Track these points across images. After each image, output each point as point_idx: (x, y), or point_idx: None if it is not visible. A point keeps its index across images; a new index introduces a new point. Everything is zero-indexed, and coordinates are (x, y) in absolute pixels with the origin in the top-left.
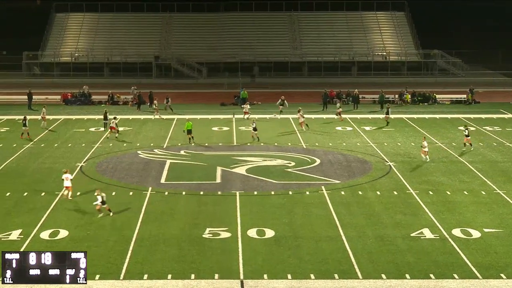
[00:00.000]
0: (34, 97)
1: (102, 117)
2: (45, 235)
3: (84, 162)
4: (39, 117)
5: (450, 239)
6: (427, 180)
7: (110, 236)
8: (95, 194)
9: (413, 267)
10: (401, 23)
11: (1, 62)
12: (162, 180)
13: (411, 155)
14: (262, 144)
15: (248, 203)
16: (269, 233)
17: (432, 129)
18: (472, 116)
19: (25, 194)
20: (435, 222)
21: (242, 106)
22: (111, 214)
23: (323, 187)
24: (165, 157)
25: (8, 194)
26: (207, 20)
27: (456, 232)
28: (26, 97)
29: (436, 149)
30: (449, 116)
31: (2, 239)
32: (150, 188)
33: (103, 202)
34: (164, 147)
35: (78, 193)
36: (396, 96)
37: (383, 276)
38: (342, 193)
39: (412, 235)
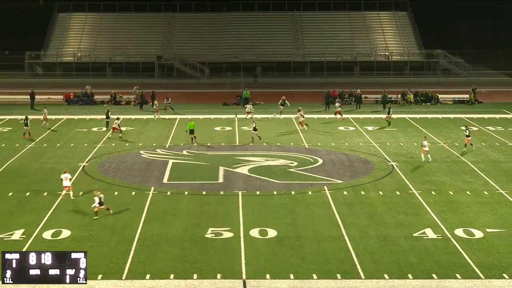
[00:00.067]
0: (36, 97)
1: (104, 116)
2: (47, 235)
3: (86, 162)
4: (41, 117)
5: (452, 239)
6: (429, 180)
7: (113, 236)
8: (94, 195)
9: (416, 267)
10: (404, 23)
11: (4, 62)
12: (165, 180)
13: (413, 155)
14: (264, 144)
15: (250, 203)
16: (272, 233)
17: (434, 129)
18: (474, 116)
19: (28, 194)
20: (438, 222)
21: (244, 106)
22: (111, 212)
23: (325, 187)
24: (168, 157)
25: (10, 194)
26: (210, 20)
27: (459, 232)
28: (28, 97)
29: (438, 149)
30: (451, 116)
31: (5, 239)
32: (152, 188)
33: (100, 203)
34: (167, 147)
35: (81, 193)
36: (399, 96)
37: (386, 276)
38: (345, 193)
39: (414, 235)
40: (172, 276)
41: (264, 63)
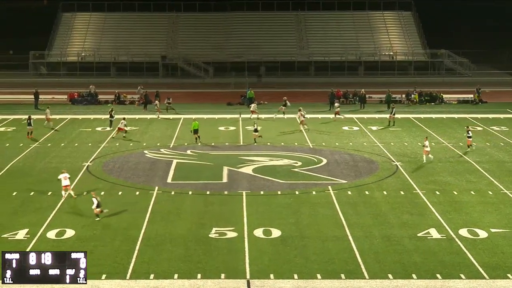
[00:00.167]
0: (40, 96)
1: (108, 116)
2: (51, 234)
3: (90, 162)
4: (44, 117)
5: (457, 239)
6: (434, 180)
7: (117, 235)
8: (92, 196)
9: (420, 267)
10: (408, 22)
11: (8, 61)
12: (169, 180)
13: (418, 155)
14: (268, 143)
15: (254, 203)
16: (276, 233)
17: (439, 129)
18: (479, 116)
19: (32, 193)
20: (442, 222)
21: (249, 105)
22: (105, 210)
23: (329, 187)
24: (172, 156)
25: (14, 193)
26: (214, 19)
27: (463, 232)
28: (32, 96)
29: (443, 149)
30: (456, 116)
31: (9, 238)
32: (156, 188)
33: (98, 205)
34: (171, 146)
35: (85, 193)
36: (403, 96)
37: (390, 276)
38: (349, 193)
39: (419, 235)
40: (176, 276)
41: (268, 62)
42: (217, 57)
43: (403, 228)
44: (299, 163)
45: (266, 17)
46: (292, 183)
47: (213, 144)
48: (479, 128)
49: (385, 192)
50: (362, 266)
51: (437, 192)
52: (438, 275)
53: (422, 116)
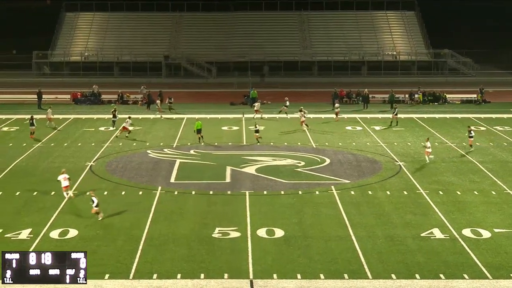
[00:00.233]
0: (43, 96)
1: (111, 116)
2: (54, 234)
3: (94, 162)
4: (45, 117)
5: (460, 239)
6: (437, 180)
7: (120, 235)
8: (91, 196)
9: (423, 267)
10: (411, 22)
11: (11, 61)
12: (172, 180)
13: (421, 155)
14: (271, 143)
15: (257, 202)
16: (279, 232)
17: (442, 129)
18: (482, 116)
19: (35, 193)
20: (445, 222)
21: (253, 104)
22: (100, 218)
23: (332, 187)
24: (175, 156)
25: (17, 193)
26: (217, 19)
27: (466, 232)
28: (35, 96)
29: (446, 149)
30: (459, 116)
31: (12, 238)
32: (159, 188)
33: (97, 205)
34: (174, 146)
35: (88, 193)
36: (406, 96)
37: (393, 276)
38: (352, 193)
39: (422, 235)
40: (179, 275)
41: (271, 62)
42: (220, 57)
43: (406, 228)
44: (302, 163)
45: (269, 17)
46: (295, 183)
47: (216, 144)
48: (482, 128)
49: (388, 192)
50: (365, 266)
51: (441, 192)
52: (441, 275)
53: (425, 116)
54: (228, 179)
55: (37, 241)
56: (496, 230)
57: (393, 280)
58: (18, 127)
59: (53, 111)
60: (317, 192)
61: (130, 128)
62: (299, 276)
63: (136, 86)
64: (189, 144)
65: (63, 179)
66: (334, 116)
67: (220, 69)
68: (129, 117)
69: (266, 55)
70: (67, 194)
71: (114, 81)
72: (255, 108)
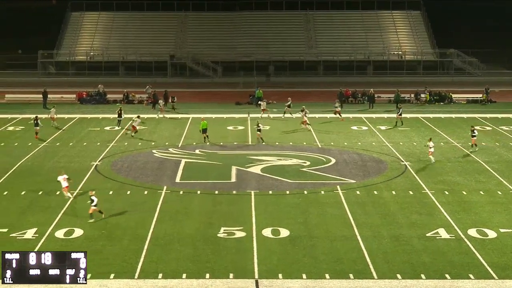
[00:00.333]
0: (49, 96)
1: (116, 115)
2: (60, 234)
3: (99, 161)
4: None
5: (466, 239)
6: (442, 180)
7: (125, 235)
8: (90, 195)
9: (429, 267)
10: (417, 22)
11: (17, 61)
12: (177, 179)
13: (426, 155)
14: (277, 143)
15: (263, 202)
16: (284, 232)
17: (448, 128)
18: (488, 115)
19: (40, 193)
20: (451, 222)
21: (259, 103)
22: (92, 220)
23: (338, 186)
24: (180, 156)
25: (23, 193)
26: (223, 19)
27: (472, 232)
28: (41, 96)
29: (452, 148)
30: (465, 115)
31: (17, 238)
32: (165, 187)
33: (96, 204)
34: (179, 146)
35: (93, 192)
36: (412, 95)
37: (399, 276)
38: (357, 192)
39: (427, 235)
40: (184, 275)
41: (276, 62)
42: (226, 56)
43: (412, 228)
44: (308, 163)
45: (275, 16)
46: (301, 183)
47: (221, 143)
48: (488, 128)
49: (393, 192)
50: (371, 266)
51: (446, 192)
52: (447, 275)
53: (431, 115)
54: (233, 179)
55: (42, 240)
56: (502, 230)
57: (399, 280)
58: (23, 127)
59: (59, 110)
60: (322, 192)
61: (137, 127)
62: (304, 276)
63: (141, 86)
64: (194, 143)
65: (63, 180)
66: (336, 116)
67: (226, 69)
68: (138, 116)
69: (272, 55)
70: (70, 194)
71: (119, 81)
72: (262, 107)
